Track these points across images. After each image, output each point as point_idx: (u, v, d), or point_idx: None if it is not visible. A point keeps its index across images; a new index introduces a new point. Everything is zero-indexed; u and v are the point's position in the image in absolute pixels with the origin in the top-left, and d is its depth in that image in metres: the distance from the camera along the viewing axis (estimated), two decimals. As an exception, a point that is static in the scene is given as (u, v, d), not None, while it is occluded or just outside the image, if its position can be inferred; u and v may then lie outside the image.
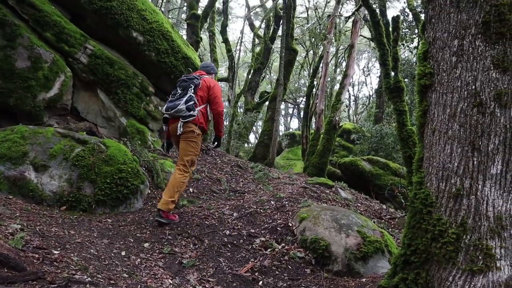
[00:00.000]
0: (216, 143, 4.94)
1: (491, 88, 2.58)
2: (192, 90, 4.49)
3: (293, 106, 38.45)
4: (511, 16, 2.62)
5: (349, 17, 12.13)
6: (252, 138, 34.53)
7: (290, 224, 4.23)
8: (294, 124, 42.69)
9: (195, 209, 4.78)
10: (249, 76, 22.85)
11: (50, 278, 2.30)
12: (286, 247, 3.86)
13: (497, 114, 2.56)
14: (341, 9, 16.96)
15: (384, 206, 7.37)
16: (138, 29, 6.88)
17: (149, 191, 5.25)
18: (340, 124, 13.14)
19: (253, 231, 4.15)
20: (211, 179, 6.34)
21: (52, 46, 5.95)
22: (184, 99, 4.40)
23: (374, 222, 5.12)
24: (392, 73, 6.40)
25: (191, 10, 14.45)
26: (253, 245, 3.88)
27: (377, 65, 39.27)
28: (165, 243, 3.72)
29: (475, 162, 2.56)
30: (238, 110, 26.49)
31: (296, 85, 35.20)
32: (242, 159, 9.88)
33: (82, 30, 6.44)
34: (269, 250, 3.81)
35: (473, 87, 2.62)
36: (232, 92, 25.52)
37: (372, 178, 10.72)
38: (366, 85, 50.73)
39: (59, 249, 2.99)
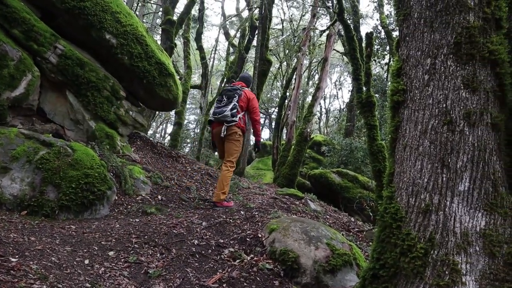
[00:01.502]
0: (256, 148, 5.76)
1: (461, 107, 2.65)
2: (236, 100, 5.38)
3: (264, 116, 38.65)
4: (480, 38, 2.72)
5: (324, 31, 12.34)
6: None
7: (260, 235, 4.18)
8: (265, 134, 42.86)
9: (163, 217, 4.67)
10: (222, 85, 22.81)
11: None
12: (255, 258, 3.81)
13: (466, 133, 2.63)
14: (315, 23, 17.26)
15: (352, 219, 7.45)
16: (112, 32, 6.73)
17: (116, 198, 5.09)
18: (311, 136, 13.28)
19: (222, 241, 4.09)
20: (181, 187, 6.23)
21: (19, 44, 5.72)
22: (230, 106, 5.30)
23: (342, 234, 5.15)
24: (364, 88, 6.53)
25: (166, 15, 14.30)
26: (222, 256, 3.81)
27: (349, 79, 40.15)
28: (131, 252, 3.60)
29: (444, 179, 2.61)
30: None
31: (268, 95, 35.49)
32: (213, 168, 9.79)
33: (52, 29, 6.24)
34: (237, 261, 3.75)
35: (444, 105, 2.68)
36: (204, 100, 25.42)
37: (341, 190, 10.85)
38: (338, 98, 51.69)
39: (17, 256, 2.84)
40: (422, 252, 2.55)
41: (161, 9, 24.53)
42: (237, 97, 5.41)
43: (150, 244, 3.78)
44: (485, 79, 2.70)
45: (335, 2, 8.17)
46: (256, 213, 4.93)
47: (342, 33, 18.69)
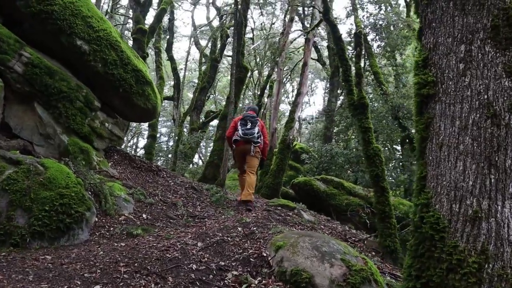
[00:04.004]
0: (261, 166, 7.15)
1: (505, 98, 2.32)
2: (257, 125, 6.59)
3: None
4: (519, 21, 2.42)
5: (308, 32, 12.10)
6: (195, 158, 33.64)
7: (265, 254, 3.74)
8: (238, 144, 42.22)
9: (152, 239, 4.15)
10: (196, 94, 22.29)
11: None
12: (263, 281, 3.36)
13: (512, 126, 2.31)
14: (285, 29, 17.00)
15: (346, 228, 7.12)
16: (83, 37, 6.18)
17: (97, 219, 4.53)
18: (294, 144, 12.94)
19: (223, 263, 3.61)
20: (166, 203, 5.70)
21: (-22, 52, 5.11)
22: (256, 131, 6.54)
23: (348, 246, 4.76)
24: (356, 89, 6.24)
25: (138, 24, 13.72)
26: (225, 281, 3.34)
27: (320, 85, 40.41)
28: (121, 284, 3.07)
29: (492, 180, 2.27)
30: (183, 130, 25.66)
31: (240, 105, 35.09)
32: (195, 181, 9.28)
33: (17, 36, 5.64)
34: (244, 286, 3.29)
35: (485, 96, 2.35)
36: (177, 111, 24.80)
37: (327, 198, 10.50)
38: (310, 105, 51.99)
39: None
40: (476, 266, 2.18)
41: (129, 20, 23.85)
42: (257, 123, 6.64)
43: (142, 273, 3.26)
44: (527, 66, 2.39)
45: (319, 3, 7.94)
46: (255, 228, 4.48)
47: (315, 39, 18.60)
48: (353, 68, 6.71)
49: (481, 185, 2.28)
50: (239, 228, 4.46)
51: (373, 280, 3.53)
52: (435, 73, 2.60)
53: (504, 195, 2.24)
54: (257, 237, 4.17)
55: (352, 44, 15.04)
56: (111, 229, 4.48)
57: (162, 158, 29.00)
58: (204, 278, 3.31)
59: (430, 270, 2.35)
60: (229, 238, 4.13)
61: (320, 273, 3.33)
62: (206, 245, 3.95)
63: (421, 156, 2.67)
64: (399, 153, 18.64)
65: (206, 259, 3.65)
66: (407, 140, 15.15)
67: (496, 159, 2.28)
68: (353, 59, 6.91)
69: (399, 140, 16.86)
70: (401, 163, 15.79)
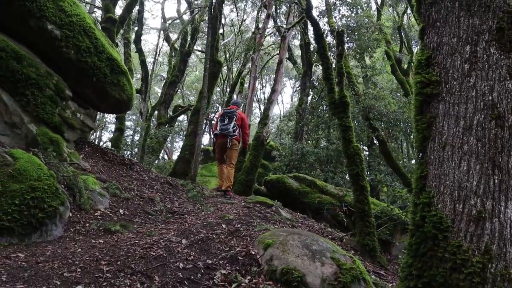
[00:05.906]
0: (243, 152, 8.19)
1: (509, 100, 2.34)
2: (234, 119, 7.35)
3: (205, 121, 37.70)
4: (522, 24, 2.44)
5: (288, 29, 12.05)
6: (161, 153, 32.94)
7: (253, 252, 3.64)
8: (205, 139, 41.93)
9: (132, 236, 3.96)
10: (165, 89, 21.82)
11: None
12: (253, 280, 3.26)
13: (515, 128, 2.33)
14: (262, 26, 16.90)
15: (322, 226, 7.14)
16: (55, 22, 5.83)
17: (71, 214, 4.27)
18: (268, 141, 12.88)
19: (210, 262, 3.48)
20: (143, 199, 5.48)
21: None
22: (232, 125, 7.32)
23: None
24: (337, 88, 6.24)
25: (107, 13, 13.21)
26: (214, 280, 3.21)
27: (288, 84, 40.66)
28: (104, 284, 2.88)
29: (496, 181, 2.28)
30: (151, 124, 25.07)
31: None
32: (167, 176, 9.03)
33: (-19, 16, 5.25)
34: (234, 285, 3.18)
35: (490, 98, 2.36)
36: (144, 105, 24.22)
37: (299, 195, 10.49)
38: (278, 104, 52.18)
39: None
40: (480, 266, 2.19)
41: (95, 10, 22.96)
42: (234, 118, 7.36)
43: (126, 272, 3.08)
44: (528, 69, 2.42)
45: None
46: (239, 225, 4.37)
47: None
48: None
49: (485, 185, 2.29)
50: (223, 225, 4.34)
51: (362, 279, 3.52)
52: (439, 73, 2.58)
53: (507, 196, 2.26)
54: (243, 235, 4.07)
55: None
56: (87, 225, 4.23)
57: (127, 152, 28.27)
58: (192, 277, 3.18)
59: (433, 269, 2.33)
60: (214, 236, 4.01)
61: (311, 272, 3.28)
62: (190, 243, 3.81)
63: (422, 156, 2.65)
64: (366, 152, 19.06)
65: (192, 257, 3.51)
66: (375, 141, 15.47)
67: (500, 160, 2.29)
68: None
69: (366, 140, 17.20)
70: (368, 164, 16.10)
